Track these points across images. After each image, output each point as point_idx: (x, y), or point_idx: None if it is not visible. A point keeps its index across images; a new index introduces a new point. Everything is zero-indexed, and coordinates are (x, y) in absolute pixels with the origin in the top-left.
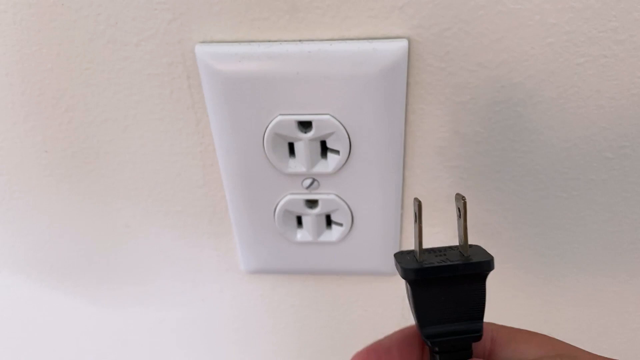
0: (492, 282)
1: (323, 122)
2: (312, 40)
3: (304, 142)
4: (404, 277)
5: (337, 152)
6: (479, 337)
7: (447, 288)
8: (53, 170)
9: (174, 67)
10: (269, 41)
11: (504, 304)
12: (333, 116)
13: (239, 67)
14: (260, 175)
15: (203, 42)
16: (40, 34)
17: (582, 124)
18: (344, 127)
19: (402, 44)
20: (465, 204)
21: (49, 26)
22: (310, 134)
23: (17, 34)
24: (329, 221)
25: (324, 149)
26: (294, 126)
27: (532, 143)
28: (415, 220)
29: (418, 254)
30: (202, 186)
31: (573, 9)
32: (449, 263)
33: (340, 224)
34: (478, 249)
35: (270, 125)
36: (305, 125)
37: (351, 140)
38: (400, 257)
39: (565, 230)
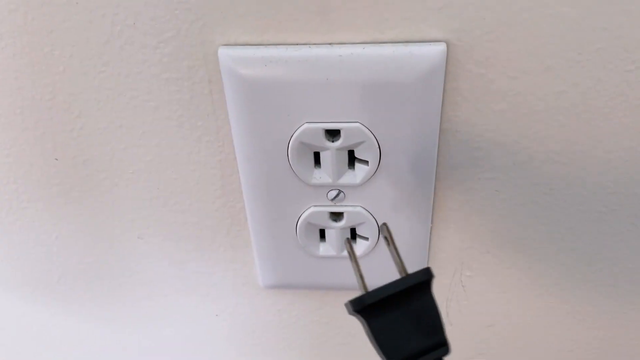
0: (527, 298)
1: (352, 130)
2: (344, 43)
3: (331, 152)
4: (354, 309)
5: (365, 162)
6: (446, 350)
7: (397, 309)
8: (63, 179)
9: (194, 71)
10: (297, 44)
11: (539, 320)
12: (363, 124)
13: (264, 71)
14: (283, 185)
15: (226, 44)
16: (53, 34)
17: (628, 134)
18: (375, 137)
19: (441, 47)
20: (389, 231)
21: (62, 26)
22: (338, 143)
23: (28, 34)
24: (353, 234)
25: (351, 159)
26: (321, 135)
27: (574, 155)
28: (351, 258)
29: (362, 288)
30: (221, 196)
31: (626, 13)
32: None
33: (366, 238)
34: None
35: (295, 134)
36: (332, 134)
37: (381, 150)
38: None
39: (604, 246)
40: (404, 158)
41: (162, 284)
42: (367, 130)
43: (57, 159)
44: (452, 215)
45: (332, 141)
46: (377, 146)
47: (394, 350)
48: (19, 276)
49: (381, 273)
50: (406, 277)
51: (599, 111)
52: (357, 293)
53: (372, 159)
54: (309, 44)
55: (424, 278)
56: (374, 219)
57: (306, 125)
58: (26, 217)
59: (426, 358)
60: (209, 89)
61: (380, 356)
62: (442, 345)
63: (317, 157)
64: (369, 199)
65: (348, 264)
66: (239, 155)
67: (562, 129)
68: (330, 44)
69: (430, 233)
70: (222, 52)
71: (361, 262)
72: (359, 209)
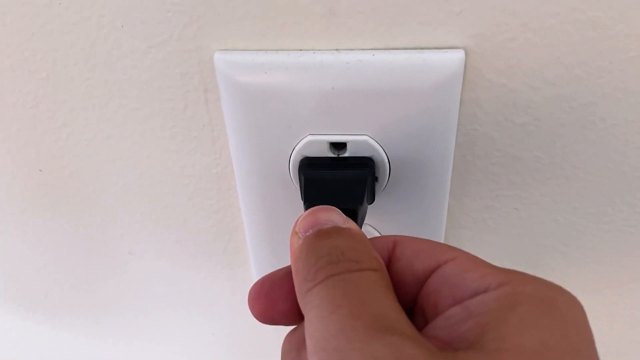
0: None
1: (360, 144)
2: (352, 49)
3: None
4: (299, 166)
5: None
6: (355, 215)
7: (332, 174)
8: (49, 191)
9: (188, 79)
10: (301, 50)
11: None
12: (372, 137)
13: (264, 79)
14: (284, 201)
15: (223, 50)
16: (34, 37)
17: None
18: (384, 150)
19: (458, 55)
20: None
21: (44, 29)
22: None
23: (7, 37)
24: None
25: None
26: (326, 147)
27: (600, 171)
28: None
29: None
30: (217, 211)
31: None
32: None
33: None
34: None
35: (298, 146)
36: (338, 147)
37: (391, 165)
38: None
39: (630, 268)
40: (416, 174)
41: (156, 301)
42: (375, 144)
43: (41, 170)
44: (466, 234)
45: (338, 155)
46: (387, 161)
47: (314, 198)
48: (4, 291)
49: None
50: (350, 157)
51: (630, 125)
52: None
53: (381, 174)
54: (314, 50)
55: (362, 162)
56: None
57: (309, 137)
58: (10, 230)
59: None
60: (205, 98)
61: (303, 203)
62: (353, 212)
63: None
64: (377, 216)
65: None
66: (237, 168)
67: (589, 144)
68: (336, 49)
69: None
70: (219, 57)
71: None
72: (366, 227)
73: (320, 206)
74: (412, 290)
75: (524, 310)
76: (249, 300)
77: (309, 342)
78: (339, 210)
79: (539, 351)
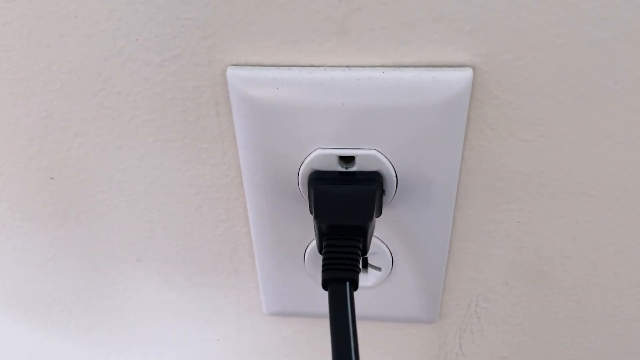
0: (543, 331)
1: (368, 158)
2: (362, 66)
3: None
4: (308, 180)
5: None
6: (365, 233)
7: (342, 188)
8: (60, 198)
9: (201, 92)
10: (312, 66)
11: (554, 354)
12: (380, 152)
13: (276, 94)
14: (292, 212)
15: (236, 64)
16: (50, 49)
17: None
18: (392, 164)
19: (467, 73)
20: None
21: (60, 41)
22: (353, 171)
23: (23, 48)
24: (364, 263)
25: None
26: (335, 161)
27: (604, 187)
28: None
29: None
30: (225, 221)
31: None
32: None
33: (379, 268)
34: None
35: (307, 160)
36: (347, 160)
37: (398, 178)
38: None
39: (631, 281)
40: (423, 187)
41: (162, 308)
42: (383, 158)
43: (52, 178)
44: (471, 246)
45: (346, 168)
46: (394, 175)
47: (324, 213)
48: (11, 296)
49: (391, 304)
50: (359, 172)
51: (633, 143)
52: (363, 323)
53: (389, 187)
54: (325, 66)
55: (371, 177)
56: (387, 249)
57: (319, 150)
58: (20, 237)
59: (345, 234)
60: (216, 111)
61: (314, 218)
62: (363, 229)
63: None
64: (383, 228)
65: (358, 293)
66: (246, 180)
67: (593, 160)
68: (347, 66)
69: (447, 263)
70: (231, 72)
71: (370, 293)
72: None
73: None
74: None
75: None
76: None
77: None
78: None
79: None
